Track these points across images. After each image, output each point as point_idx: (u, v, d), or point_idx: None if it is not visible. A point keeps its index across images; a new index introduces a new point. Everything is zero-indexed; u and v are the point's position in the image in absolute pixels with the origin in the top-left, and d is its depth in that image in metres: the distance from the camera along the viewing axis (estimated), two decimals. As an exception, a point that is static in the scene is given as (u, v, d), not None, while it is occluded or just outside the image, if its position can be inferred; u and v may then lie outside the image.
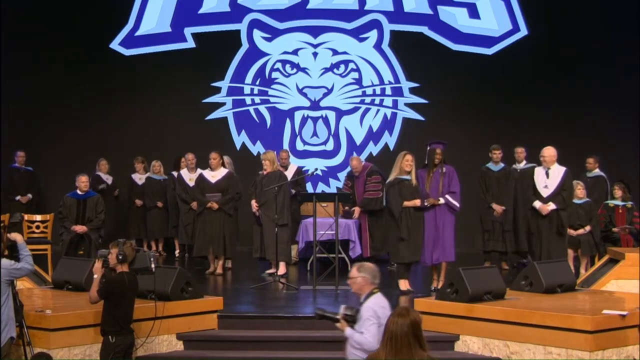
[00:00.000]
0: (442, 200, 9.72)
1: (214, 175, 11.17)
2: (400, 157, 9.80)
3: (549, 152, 10.56)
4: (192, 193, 11.93)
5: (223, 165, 11.30)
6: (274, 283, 10.28)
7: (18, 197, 13.43)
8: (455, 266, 8.94)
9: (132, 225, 13.53)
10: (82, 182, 10.84)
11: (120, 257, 7.00)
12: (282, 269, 10.83)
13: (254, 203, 10.96)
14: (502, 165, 11.84)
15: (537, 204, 10.54)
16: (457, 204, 9.85)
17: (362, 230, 11.82)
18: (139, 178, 13.60)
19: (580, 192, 11.18)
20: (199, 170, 11.67)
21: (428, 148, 9.94)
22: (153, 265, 7.18)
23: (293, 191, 11.78)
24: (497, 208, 11.55)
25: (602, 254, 10.71)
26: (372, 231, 11.81)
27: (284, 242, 10.79)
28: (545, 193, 10.60)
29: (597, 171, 12.26)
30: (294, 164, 12.73)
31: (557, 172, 10.55)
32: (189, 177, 12.37)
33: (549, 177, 10.60)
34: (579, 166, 12.23)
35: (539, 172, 10.83)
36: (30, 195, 13.56)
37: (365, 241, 11.79)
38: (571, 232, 10.98)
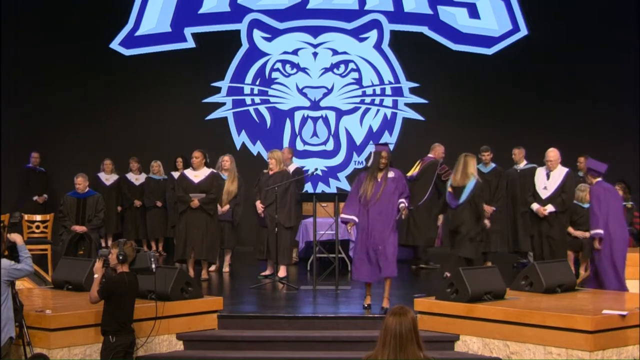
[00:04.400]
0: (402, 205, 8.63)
1: (196, 175, 10.76)
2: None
3: (554, 154, 10.51)
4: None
5: (206, 164, 10.98)
6: (275, 283, 10.27)
7: (35, 198, 13.54)
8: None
9: (131, 225, 13.56)
10: (77, 183, 10.79)
11: (120, 257, 7.00)
12: (282, 271, 10.70)
13: (259, 204, 10.74)
14: (492, 166, 11.84)
15: (535, 206, 10.54)
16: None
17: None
18: (135, 178, 13.62)
19: (588, 196, 11.10)
20: (206, 169, 11.40)
21: (373, 150, 8.95)
22: (153, 266, 7.18)
23: None
24: (487, 209, 11.52)
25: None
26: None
27: (287, 245, 10.66)
28: (544, 195, 10.58)
29: None
30: (294, 163, 12.70)
31: (559, 173, 10.52)
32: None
33: (549, 178, 10.58)
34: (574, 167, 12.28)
35: (539, 173, 10.81)
36: (46, 196, 13.66)
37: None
38: (575, 232, 10.97)
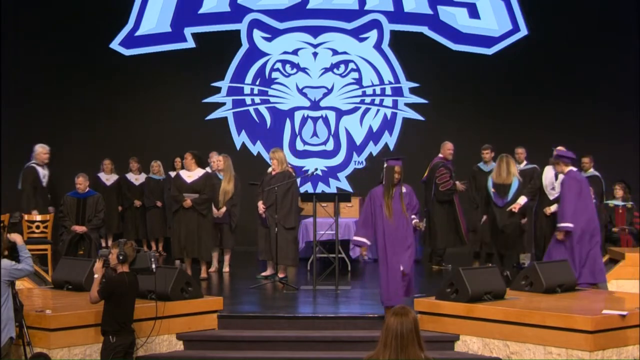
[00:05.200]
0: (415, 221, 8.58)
1: (190, 175, 10.79)
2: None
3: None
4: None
5: (200, 165, 10.96)
6: (275, 283, 10.27)
7: None
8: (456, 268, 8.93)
9: (131, 225, 13.56)
10: (78, 183, 10.79)
11: (120, 258, 7.00)
12: (281, 272, 10.64)
13: (260, 204, 10.69)
14: (493, 164, 11.82)
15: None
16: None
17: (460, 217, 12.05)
18: (135, 178, 13.63)
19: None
20: (200, 170, 11.39)
21: (385, 165, 8.55)
22: (154, 266, 7.18)
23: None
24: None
25: (602, 254, 10.69)
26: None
27: (289, 245, 10.56)
28: (552, 195, 10.53)
29: (592, 171, 12.21)
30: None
31: None
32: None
33: (557, 178, 10.48)
34: (578, 166, 12.22)
35: (547, 173, 10.73)
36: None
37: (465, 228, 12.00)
38: None
